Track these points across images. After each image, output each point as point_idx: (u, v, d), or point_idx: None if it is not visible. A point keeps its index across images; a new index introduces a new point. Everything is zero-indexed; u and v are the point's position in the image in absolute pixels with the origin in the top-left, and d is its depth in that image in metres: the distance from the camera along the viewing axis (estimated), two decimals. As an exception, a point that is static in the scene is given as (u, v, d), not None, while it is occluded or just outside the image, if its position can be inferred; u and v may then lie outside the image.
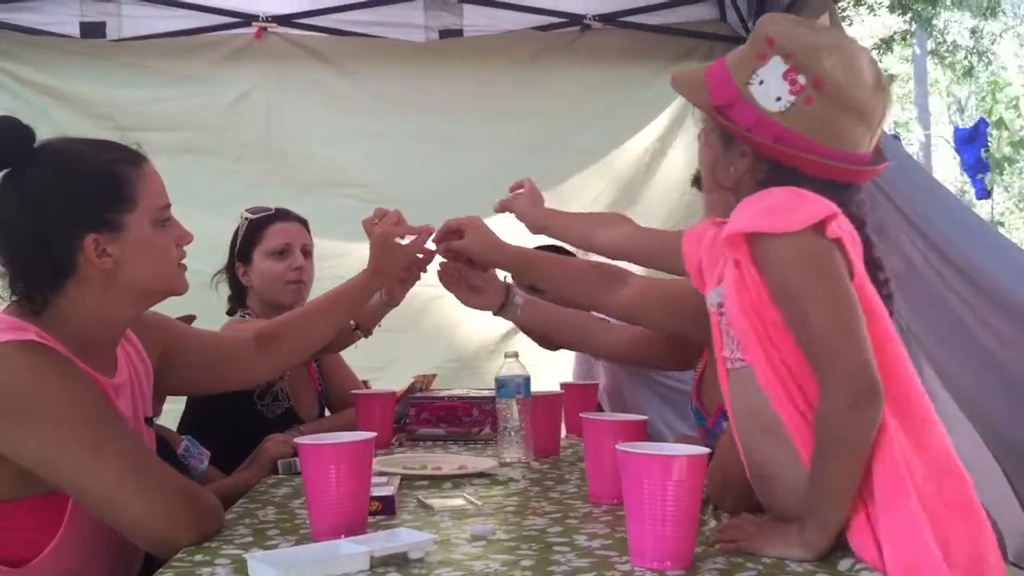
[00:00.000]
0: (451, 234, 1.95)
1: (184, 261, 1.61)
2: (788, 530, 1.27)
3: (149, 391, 1.67)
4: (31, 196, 1.48)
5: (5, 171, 1.50)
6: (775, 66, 1.29)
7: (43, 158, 1.51)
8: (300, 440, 1.44)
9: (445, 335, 3.66)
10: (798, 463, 1.27)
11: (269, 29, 3.66)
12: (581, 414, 1.74)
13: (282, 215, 2.52)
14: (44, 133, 1.56)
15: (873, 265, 1.33)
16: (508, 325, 3.68)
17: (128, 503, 1.39)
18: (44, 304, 1.48)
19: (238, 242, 2.50)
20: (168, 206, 1.57)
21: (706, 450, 1.26)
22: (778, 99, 1.28)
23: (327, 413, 2.61)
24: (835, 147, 1.29)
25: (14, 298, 1.51)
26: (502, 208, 1.97)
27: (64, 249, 1.47)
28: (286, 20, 3.68)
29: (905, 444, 1.24)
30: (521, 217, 1.92)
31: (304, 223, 2.56)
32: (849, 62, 1.30)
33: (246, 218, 2.50)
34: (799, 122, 1.29)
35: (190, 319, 2.25)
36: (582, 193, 3.65)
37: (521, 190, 1.96)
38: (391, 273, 1.99)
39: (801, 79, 1.27)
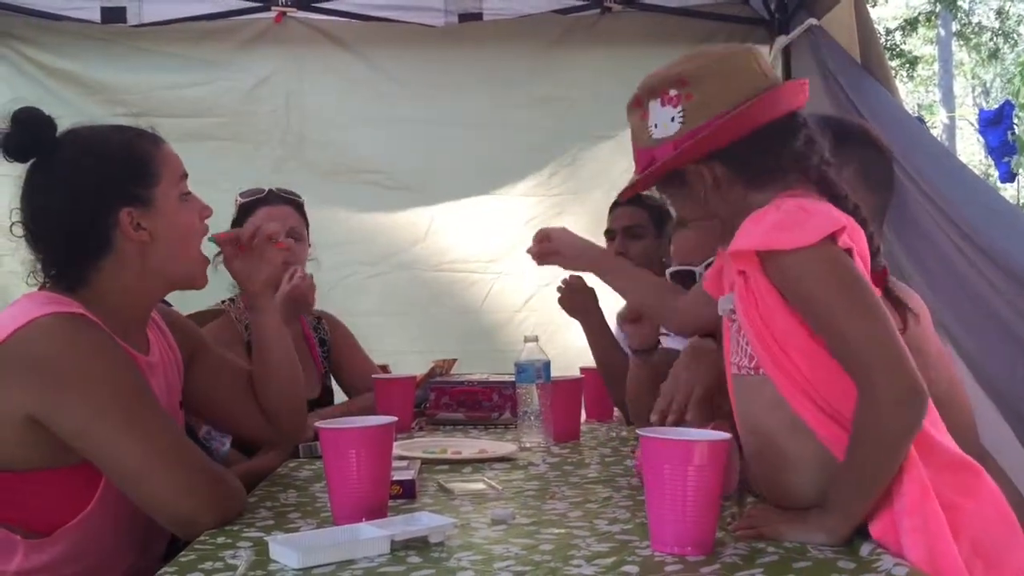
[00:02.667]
0: (543, 241, 1.90)
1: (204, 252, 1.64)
2: (809, 516, 1.28)
3: (180, 380, 1.70)
4: (63, 180, 1.52)
5: (32, 161, 1.54)
6: (653, 108, 1.41)
7: (67, 144, 1.54)
8: (321, 424, 1.45)
9: (465, 320, 3.66)
10: (812, 461, 1.29)
11: (288, 14, 3.64)
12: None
13: (271, 199, 2.50)
14: (63, 119, 1.58)
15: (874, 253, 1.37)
16: (527, 310, 3.70)
17: (155, 478, 1.41)
18: (79, 282, 1.52)
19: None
20: (186, 176, 1.62)
21: (727, 435, 1.26)
22: (672, 120, 1.39)
23: (335, 396, 2.61)
24: (735, 100, 1.35)
25: (47, 282, 1.54)
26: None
27: (101, 226, 1.51)
28: (305, 4, 3.66)
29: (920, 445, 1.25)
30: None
31: (296, 204, 2.52)
32: (694, 53, 1.42)
33: (237, 201, 2.50)
34: (697, 116, 1.37)
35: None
36: (603, 177, 3.62)
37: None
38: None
39: (672, 92, 1.39)
